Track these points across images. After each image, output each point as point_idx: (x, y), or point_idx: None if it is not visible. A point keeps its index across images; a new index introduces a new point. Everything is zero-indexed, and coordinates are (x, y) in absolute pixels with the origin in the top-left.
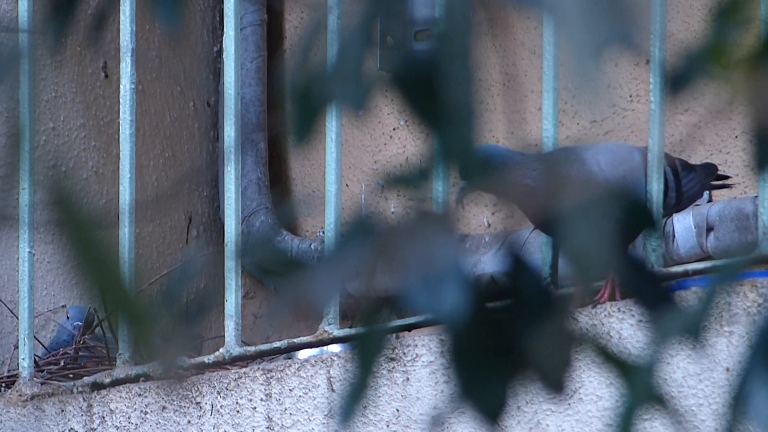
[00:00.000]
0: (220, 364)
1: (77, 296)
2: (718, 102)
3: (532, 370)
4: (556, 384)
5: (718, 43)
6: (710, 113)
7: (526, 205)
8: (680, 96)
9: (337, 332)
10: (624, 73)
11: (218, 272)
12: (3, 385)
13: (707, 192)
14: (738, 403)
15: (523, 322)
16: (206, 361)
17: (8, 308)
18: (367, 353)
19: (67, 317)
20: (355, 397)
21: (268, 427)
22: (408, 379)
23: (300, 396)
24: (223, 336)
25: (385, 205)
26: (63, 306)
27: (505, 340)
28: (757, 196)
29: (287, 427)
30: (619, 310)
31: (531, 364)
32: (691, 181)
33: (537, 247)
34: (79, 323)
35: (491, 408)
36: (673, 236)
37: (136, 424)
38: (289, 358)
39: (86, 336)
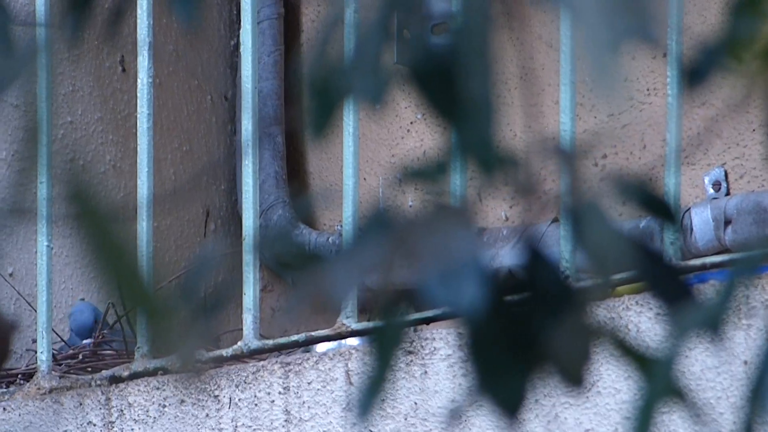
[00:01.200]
0: (238, 358)
1: (95, 290)
2: (735, 95)
3: (551, 363)
4: (574, 377)
5: (735, 36)
6: (728, 106)
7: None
8: (698, 89)
9: (355, 325)
10: (641, 66)
11: (236, 266)
12: (21, 378)
13: (725, 185)
14: (756, 395)
15: (541, 315)
16: (224, 354)
17: (26, 301)
18: (385, 346)
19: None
20: (373, 391)
21: (286, 420)
22: (426, 372)
23: (318, 389)
24: (241, 329)
25: (403, 198)
26: (82, 299)
27: (523, 333)
28: None
29: (305, 420)
30: (637, 303)
31: (549, 358)
32: None
33: (555, 240)
34: (80, 328)
35: (509, 401)
36: (691, 229)
37: (155, 418)
38: (307, 352)
39: (104, 330)
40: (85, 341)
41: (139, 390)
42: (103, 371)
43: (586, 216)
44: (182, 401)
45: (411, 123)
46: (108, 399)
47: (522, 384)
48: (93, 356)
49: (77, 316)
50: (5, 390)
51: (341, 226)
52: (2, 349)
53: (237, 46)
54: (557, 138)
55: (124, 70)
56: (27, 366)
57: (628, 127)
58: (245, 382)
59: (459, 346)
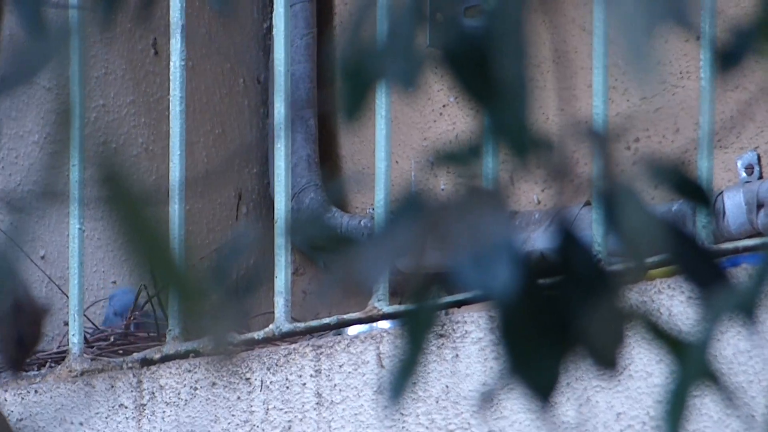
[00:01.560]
0: (270, 341)
1: (127, 273)
2: None
3: (583, 346)
4: (607, 360)
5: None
6: (761, 90)
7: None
8: (731, 73)
9: (387, 309)
10: (674, 49)
11: (268, 249)
12: (53, 361)
13: (758, 168)
14: None
15: (573, 298)
16: (256, 337)
17: (57, 285)
18: (417, 330)
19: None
20: (404, 374)
21: (317, 403)
22: (457, 355)
23: (349, 372)
24: (273, 312)
25: (435, 182)
26: (113, 282)
27: (555, 316)
28: None
29: (337, 403)
30: (669, 287)
31: (581, 341)
32: None
33: (587, 223)
34: (124, 309)
35: (541, 385)
36: (724, 213)
37: (186, 400)
38: (339, 335)
39: (136, 312)
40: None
41: (170, 372)
42: (135, 354)
43: (618, 199)
44: (214, 384)
45: (443, 106)
46: (139, 381)
47: (554, 367)
48: (124, 339)
49: (121, 296)
50: (37, 372)
51: (373, 209)
52: (35, 332)
53: (270, 28)
54: (590, 121)
55: (156, 53)
56: (58, 348)
57: (661, 110)
58: (277, 365)
59: (490, 330)
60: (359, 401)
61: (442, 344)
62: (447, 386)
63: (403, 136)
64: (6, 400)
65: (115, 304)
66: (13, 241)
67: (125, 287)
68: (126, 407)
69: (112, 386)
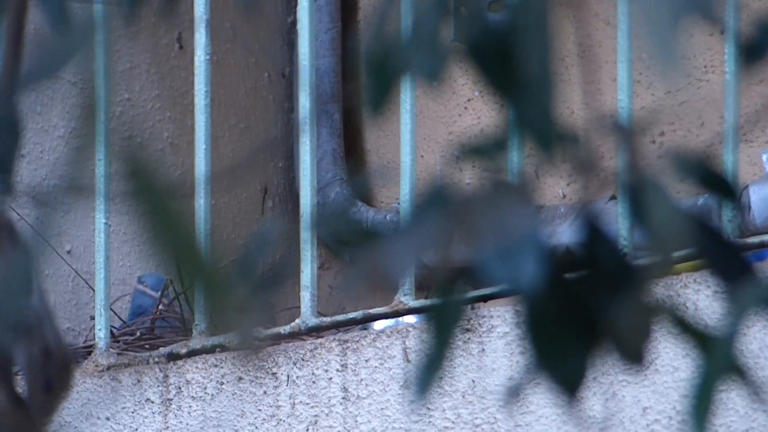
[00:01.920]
0: (296, 335)
1: (153, 267)
2: None
3: (609, 341)
4: (634, 355)
5: None
6: None
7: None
8: (756, 66)
9: (413, 303)
10: (699, 43)
11: (294, 243)
12: (79, 356)
13: None
14: None
15: (599, 293)
16: (282, 331)
17: (83, 279)
18: (443, 324)
19: (143, 284)
20: (430, 368)
21: (343, 398)
22: (483, 350)
23: (376, 367)
24: (299, 307)
25: (460, 176)
26: (139, 277)
27: (581, 311)
28: None
29: (363, 398)
30: (695, 281)
31: (608, 335)
32: None
33: (612, 217)
34: (156, 292)
35: (568, 379)
36: (749, 207)
37: (212, 395)
38: (365, 329)
39: (162, 307)
40: (143, 317)
41: (197, 367)
42: (161, 348)
43: (644, 193)
44: (240, 378)
45: (468, 100)
46: (166, 376)
47: (581, 362)
48: (151, 333)
49: (151, 277)
50: None
51: (399, 203)
52: (64, 379)
53: (294, 23)
54: (615, 115)
55: (181, 47)
56: (84, 343)
57: (686, 104)
58: (303, 360)
59: (517, 324)
60: (386, 396)
61: (469, 339)
62: (473, 381)
63: (428, 130)
64: None
65: (148, 279)
66: (40, 235)
67: (138, 289)
68: (152, 402)
69: (139, 381)
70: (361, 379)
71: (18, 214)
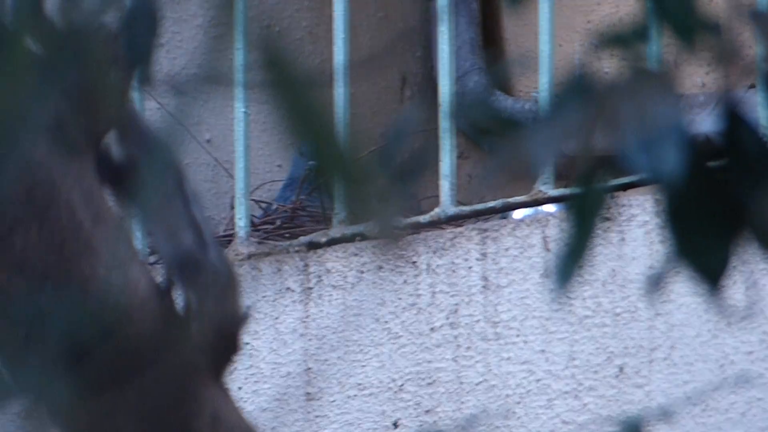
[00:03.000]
0: (436, 224)
1: (292, 157)
2: None
3: (750, 229)
4: None
5: None
6: None
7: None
8: None
9: (553, 192)
10: None
11: (433, 132)
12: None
13: None
14: None
15: (741, 181)
16: (421, 220)
17: (224, 168)
18: (583, 213)
19: (300, 153)
20: (571, 257)
21: (483, 287)
22: (623, 239)
23: (515, 255)
24: (438, 196)
25: (599, 65)
26: (279, 166)
27: (722, 199)
28: None
29: (503, 287)
30: None
31: (749, 224)
32: None
33: (752, 106)
34: (301, 172)
35: (709, 268)
36: None
37: (353, 284)
38: (504, 218)
39: (302, 196)
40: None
41: (337, 256)
42: (301, 238)
43: None
44: (380, 267)
45: None
46: (306, 265)
47: (723, 251)
48: (291, 222)
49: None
50: None
51: (537, 93)
52: (232, 342)
53: None
54: (754, 3)
55: None
56: (224, 232)
57: None
58: (443, 249)
59: (657, 213)
60: (525, 285)
61: (608, 228)
62: (613, 270)
63: (566, 19)
64: None
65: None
66: (180, 123)
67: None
68: (293, 290)
69: (279, 270)
70: (501, 268)
71: (158, 103)
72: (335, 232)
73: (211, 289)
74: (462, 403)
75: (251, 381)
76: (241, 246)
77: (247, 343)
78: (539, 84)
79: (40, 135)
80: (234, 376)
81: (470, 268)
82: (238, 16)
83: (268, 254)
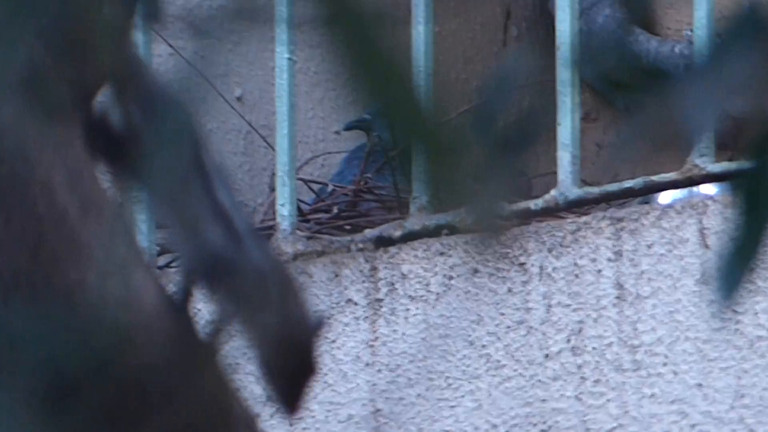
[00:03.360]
0: (552, 212)
1: (353, 118)
2: None
3: None
4: None
5: None
6: None
7: None
8: None
9: (713, 168)
10: None
11: (548, 86)
12: None
13: None
14: None
15: None
16: (532, 207)
17: (261, 136)
18: (756, 197)
19: (365, 116)
20: (739, 257)
21: (617, 297)
22: None
23: (661, 255)
24: (555, 173)
25: None
26: (335, 132)
27: None
28: None
29: (644, 297)
30: None
31: None
32: None
33: None
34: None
35: None
36: None
37: (438, 294)
38: (646, 203)
39: (368, 174)
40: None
41: (416, 256)
42: (366, 231)
43: None
44: (475, 271)
45: None
46: (373, 269)
47: None
48: (352, 210)
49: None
50: None
51: (691, 30)
52: (303, 362)
53: None
54: None
55: None
56: (262, 223)
57: None
58: (561, 246)
59: None
60: (675, 294)
61: None
62: None
63: None
64: None
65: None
66: (201, 75)
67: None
68: (356, 303)
69: (336, 275)
70: (642, 272)
71: (171, 46)
72: (413, 223)
73: (255, 299)
74: None
75: (299, 429)
76: (285, 243)
77: None
78: (694, 19)
79: (9, 91)
80: (272, 422)
81: (599, 271)
82: None
83: (321, 254)
